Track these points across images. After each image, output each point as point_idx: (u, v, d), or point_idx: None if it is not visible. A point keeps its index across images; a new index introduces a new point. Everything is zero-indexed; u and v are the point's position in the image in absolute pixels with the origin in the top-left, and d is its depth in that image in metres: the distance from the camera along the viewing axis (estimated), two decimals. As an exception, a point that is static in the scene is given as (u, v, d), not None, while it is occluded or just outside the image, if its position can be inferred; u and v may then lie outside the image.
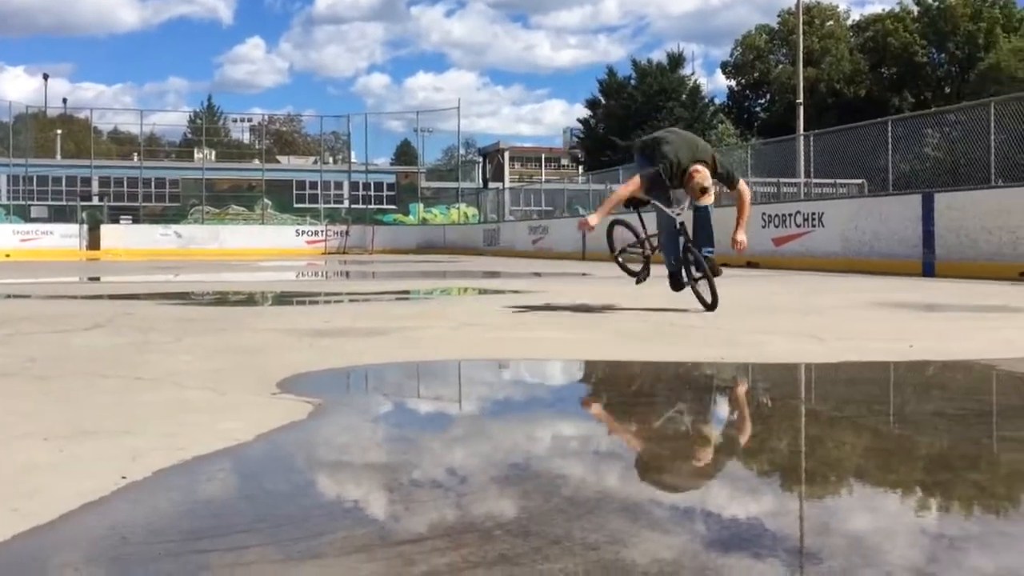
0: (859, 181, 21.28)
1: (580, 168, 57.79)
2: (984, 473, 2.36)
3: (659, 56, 61.44)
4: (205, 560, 1.67)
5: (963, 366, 4.22)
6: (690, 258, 6.92)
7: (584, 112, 56.32)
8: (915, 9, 56.89)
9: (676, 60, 54.81)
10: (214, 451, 2.48)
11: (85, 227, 37.07)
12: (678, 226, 6.94)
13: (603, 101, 54.47)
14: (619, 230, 7.77)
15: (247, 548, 1.73)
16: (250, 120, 57.22)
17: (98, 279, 15.56)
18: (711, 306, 6.67)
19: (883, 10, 59.05)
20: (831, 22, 59.78)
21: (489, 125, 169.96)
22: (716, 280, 6.73)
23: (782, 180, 23.40)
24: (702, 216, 6.91)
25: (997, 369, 4.14)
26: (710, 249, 6.85)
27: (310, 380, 3.75)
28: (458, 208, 44.72)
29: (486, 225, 37.42)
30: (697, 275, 6.89)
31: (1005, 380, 3.97)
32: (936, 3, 55.57)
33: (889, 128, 16.16)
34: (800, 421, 3.19)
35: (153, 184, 44.44)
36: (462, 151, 57.92)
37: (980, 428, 2.95)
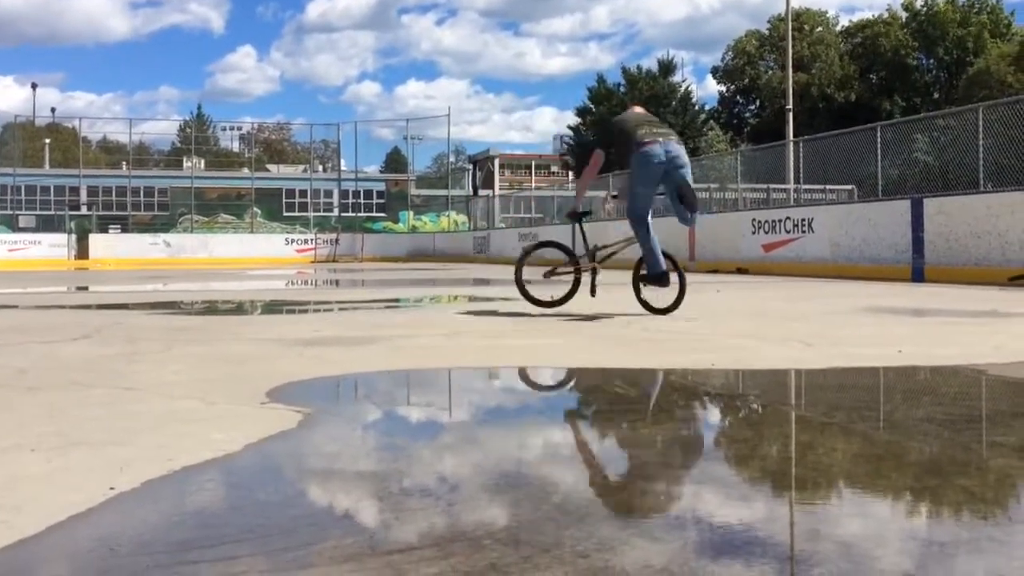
0: (849, 187, 21.36)
1: (570, 175, 57.85)
2: (974, 479, 2.36)
3: (649, 63, 61.74)
4: (194, 571, 1.66)
5: (952, 371, 4.23)
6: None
7: (574, 119, 56.45)
8: (904, 15, 57.18)
9: (666, 67, 55.04)
10: (203, 461, 2.47)
11: (73, 237, 36.93)
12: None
13: (593, 108, 54.61)
14: (542, 252, 7.74)
15: (236, 558, 1.72)
16: (240, 128, 57.27)
17: (87, 289, 15.50)
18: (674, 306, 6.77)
19: (873, 16, 59.39)
20: (820, 28, 60.04)
21: (479, 132, 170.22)
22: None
23: (772, 186, 23.49)
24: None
25: (986, 374, 4.15)
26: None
27: (299, 389, 3.74)
28: (448, 215, 44.72)
29: (476, 232, 37.42)
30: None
31: (994, 385, 3.98)
32: (924, 8, 55.85)
33: (878, 134, 16.22)
34: (790, 427, 3.20)
35: (142, 193, 44.37)
36: (452, 158, 57.97)
37: (969, 434, 2.96)
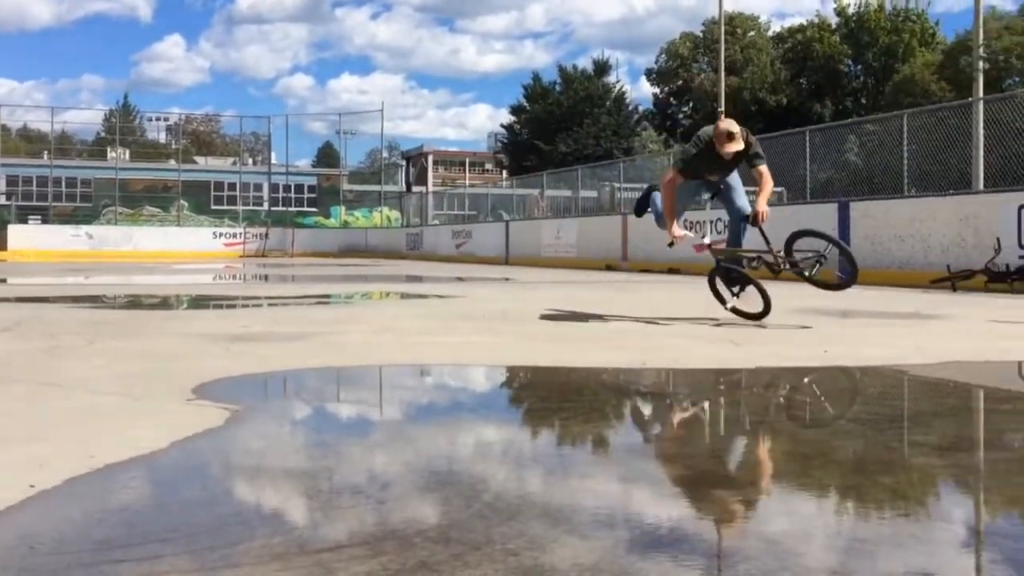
0: (779, 189, 21.69)
1: (504, 173, 57.95)
2: (896, 476, 2.41)
3: (585, 63, 61.96)
4: (117, 570, 1.63)
5: (876, 372, 4.32)
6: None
7: (509, 117, 56.50)
8: (835, 20, 58.32)
9: (601, 67, 55.38)
10: (127, 459, 2.41)
11: (-9, 228, 35.89)
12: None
13: (528, 106, 54.72)
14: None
15: (161, 557, 1.69)
16: (167, 119, 56.08)
17: (4, 281, 15.08)
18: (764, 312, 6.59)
19: (805, 21, 60.43)
20: (753, 32, 60.93)
21: (413, 128, 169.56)
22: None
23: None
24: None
25: (908, 375, 4.25)
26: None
27: (227, 386, 3.68)
28: (381, 211, 44.44)
29: (409, 229, 37.28)
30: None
31: (915, 386, 4.08)
32: (856, 15, 57.03)
33: (807, 137, 16.52)
34: (719, 426, 3.24)
35: (64, 184, 43.23)
36: (385, 154, 57.61)
37: (892, 433, 3.02)
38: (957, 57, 47.02)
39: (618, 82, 56.10)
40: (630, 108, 55.94)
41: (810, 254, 6.91)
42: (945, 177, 14.66)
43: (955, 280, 11.62)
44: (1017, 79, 47.08)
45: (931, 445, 2.79)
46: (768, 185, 6.95)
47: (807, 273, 6.80)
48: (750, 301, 6.61)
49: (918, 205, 13.20)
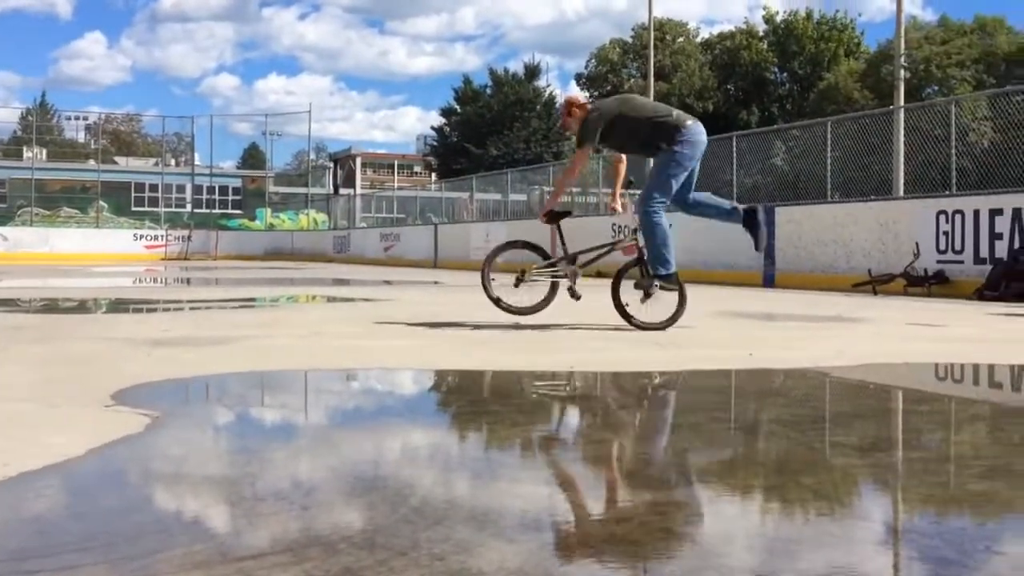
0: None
1: (433, 176, 57.85)
2: (818, 476, 2.46)
3: (516, 66, 62.14)
4: (28, 582, 1.57)
5: (799, 374, 4.40)
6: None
7: (439, 120, 56.44)
8: (763, 27, 59.41)
9: (532, 71, 55.63)
10: (42, 467, 2.34)
11: None
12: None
13: (458, 109, 54.72)
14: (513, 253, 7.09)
15: (77, 568, 1.64)
16: (86, 119, 54.75)
17: (-83, 283, 14.58)
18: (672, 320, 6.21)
19: (733, 28, 61.46)
20: (682, 39, 61.74)
21: (341, 130, 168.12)
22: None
23: (632, 192, 23.95)
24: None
25: (830, 377, 4.33)
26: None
27: (147, 391, 3.60)
28: (307, 214, 43.99)
29: (336, 231, 36.97)
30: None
31: (837, 387, 4.16)
32: (783, 23, 58.16)
33: (734, 143, 16.78)
34: (644, 428, 3.26)
35: (-24, 183, 41.99)
36: (313, 156, 57.12)
37: (814, 434, 3.08)
38: (879, 66, 48.30)
39: (548, 86, 56.48)
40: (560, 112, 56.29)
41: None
42: (867, 183, 15.03)
43: (876, 284, 11.92)
44: (936, 88, 48.51)
45: (852, 445, 2.84)
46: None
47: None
48: (652, 307, 6.26)
49: (841, 210, 13.51)
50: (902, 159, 15.93)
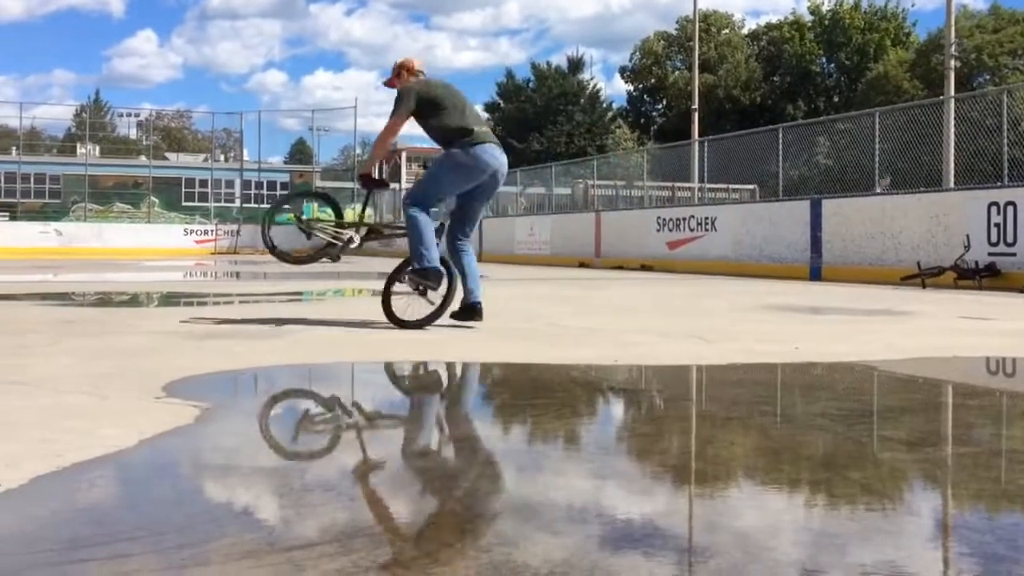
0: (751, 187, 21.85)
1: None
2: (865, 471, 2.43)
3: (559, 60, 62.04)
4: (84, 569, 1.61)
5: (846, 368, 4.36)
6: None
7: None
8: (809, 19, 58.66)
9: (575, 64, 55.49)
10: (95, 457, 2.39)
11: (-42, 224, 35.44)
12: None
13: (502, 104, 54.72)
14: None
15: (129, 556, 1.67)
16: (138, 115, 55.58)
17: (-26, 278, 14.91)
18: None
19: (779, 19, 60.73)
20: (727, 30, 61.19)
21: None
22: None
23: (677, 184, 23.87)
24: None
25: (878, 371, 4.28)
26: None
27: (197, 383, 3.65)
28: (353, 208, 44.23)
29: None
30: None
31: (885, 381, 4.11)
32: (830, 13, 57.41)
33: (780, 135, 16.63)
34: (690, 422, 3.25)
35: (33, 180, 42.86)
36: (358, 151, 57.36)
37: (861, 428, 3.04)
38: (929, 55, 47.50)
39: (592, 79, 56.36)
40: (604, 105, 56.09)
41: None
42: (916, 175, 14.81)
43: (925, 277, 11.75)
44: (988, 77, 47.61)
45: (900, 440, 2.81)
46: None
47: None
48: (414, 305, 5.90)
49: (890, 203, 13.32)
50: (952, 150, 15.68)
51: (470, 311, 5.83)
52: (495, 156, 5.79)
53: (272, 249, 6.33)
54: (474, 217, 6.07)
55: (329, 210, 6.54)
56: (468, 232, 6.02)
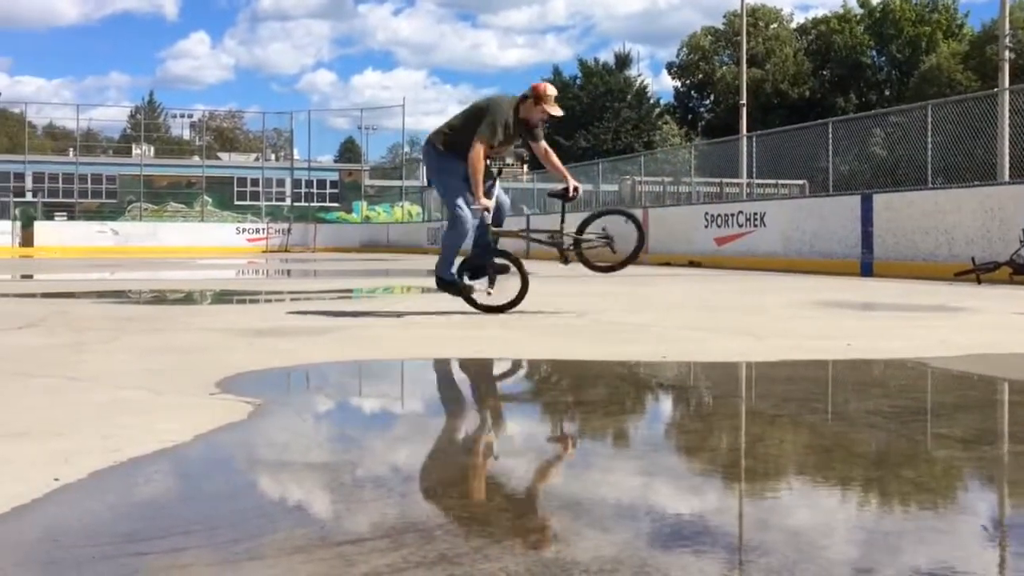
0: (800, 182, 21.61)
1: (525, 168, 57.93)
2: (919, 469, 2.40)
3: (606, 57, 61.82)
4: (141, 562, 1.64)
5: (899, 365, 4.29)
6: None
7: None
8: (859, 11, 57.86)
9: (622, 60, 55.25)
10: (151, 452, 2.43)
11: (18, 224, 36.20)
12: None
13: (548, 101, 54.54)
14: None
15: (184, 550, 1.70)
16: (191, 116, 56.39)
17: (31, 277, 15.22)
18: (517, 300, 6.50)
19: (828, 12, 59.97)
20: (775, 24, 60.54)
21: (435, 123, 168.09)
22: None
23: (725, 180, 23.68)
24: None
25: (931, 367, 4.22)
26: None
27: (250, 380, 3.70)
28: (402, 206, 44.50)
29: (430, 223, 37.28)
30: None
31: (939, 379, 4.05)
32: (881, 5, 56.58)
33: (830, 130, 16.42)
34: (740, 419, 3.23)
35: (89, 180, 43.66)
36: (407, 149, 57.66)
37: (915, 426, 3.00)
38: (983, 47, 46.60)
39: (639, 76, 56.04)
40: (651, 102, 55.79)
41: (592, 238, 6.71)
42: (970, 168, 14.54)
43: (980, 272, 11.53)
44: (1043, 68, 46.62)
45: (954, 438, 2.77)
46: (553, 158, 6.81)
47: (584, 255, 6.69)
48: (498, 293, 6.56)
49: (943, 197, 13.09)
50: (1007, 142, 15.35)
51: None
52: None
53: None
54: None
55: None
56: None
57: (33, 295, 10.16)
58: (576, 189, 6.55)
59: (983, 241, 12.17)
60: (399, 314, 6.86)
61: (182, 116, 59.17)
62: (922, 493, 2.17)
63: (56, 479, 2.14)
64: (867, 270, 13.81)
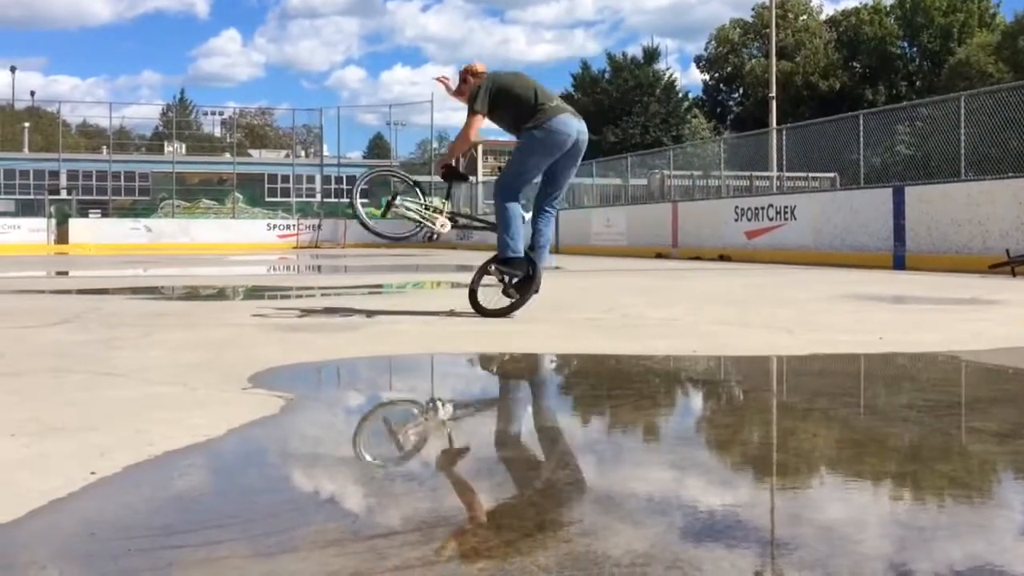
0: (831, 175, 21.43)
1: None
2: (953, 464, 2.38)
3: (634, 51, 61.62)
4: (176, 556, 1.66)
5: (932, 358, 4.26)
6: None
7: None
8: (889, 1, 57.25)
9: (651, 54, 55.02)
10: (184, 446, 2.46)
11: (53, 221, 36.61)
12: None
13: (577, 96, 54.53)
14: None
15: (219, 543, 1.71)
16: (222, 113, 56.75)
17: (66, 274, 15.40)
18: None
19: (858, 4, 59.28)
20: (805, 16, 60.05)
21: (463, 119, 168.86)
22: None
23: (755, 174, 23.54)
24: None
25: (966, 361, 4.17)
26: None
27: (282, 375, 3.73)
28: (441, 199, 44.51)
29: (459, 219, 37.32)
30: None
31: (973, 372, 4.01)
32: (911, -5, 55.99)
33: (861, 122, 16.28)
34: (771, 413, 3.21)
35: (123, 178, 44.05)
36: (435, 145, 57.83)
37: (949, 419, 2.98)
38: (1016, 37, 45.96)
39: (668, 69, 55.78)
40: (680, 95, 55.52)
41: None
42: (1004, 160, 14.35)
43: (1015, 265, 11.39)
44: (1078, 58, 45.92)
45: (989, 432, 2.74)
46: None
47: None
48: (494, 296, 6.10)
49: (976, 189, 12.94)
50: (1043, 134, 15.14)
51: (528, 280, 5.93)
52: (569, 124, 5.84)
53: (364, 226, 6.52)
54: (561, 187, 6.13)
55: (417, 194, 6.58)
56: (555, 203, 6.14)
57: (68, 291, 10.28)
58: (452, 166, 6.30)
59: (1018, 233, 12.02)
60: (428, 311, 6.88)
61: (213, 114, 59.62)
62: (957, 488, 2.15)
63: (92, 473, 2.17)
64: (899, 263, 13.68)
